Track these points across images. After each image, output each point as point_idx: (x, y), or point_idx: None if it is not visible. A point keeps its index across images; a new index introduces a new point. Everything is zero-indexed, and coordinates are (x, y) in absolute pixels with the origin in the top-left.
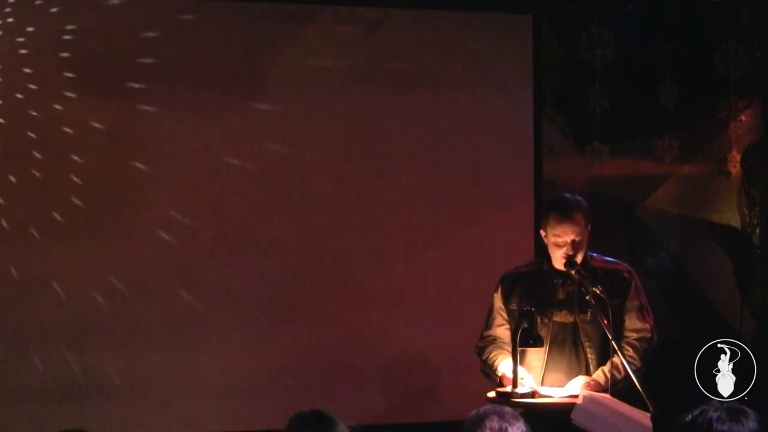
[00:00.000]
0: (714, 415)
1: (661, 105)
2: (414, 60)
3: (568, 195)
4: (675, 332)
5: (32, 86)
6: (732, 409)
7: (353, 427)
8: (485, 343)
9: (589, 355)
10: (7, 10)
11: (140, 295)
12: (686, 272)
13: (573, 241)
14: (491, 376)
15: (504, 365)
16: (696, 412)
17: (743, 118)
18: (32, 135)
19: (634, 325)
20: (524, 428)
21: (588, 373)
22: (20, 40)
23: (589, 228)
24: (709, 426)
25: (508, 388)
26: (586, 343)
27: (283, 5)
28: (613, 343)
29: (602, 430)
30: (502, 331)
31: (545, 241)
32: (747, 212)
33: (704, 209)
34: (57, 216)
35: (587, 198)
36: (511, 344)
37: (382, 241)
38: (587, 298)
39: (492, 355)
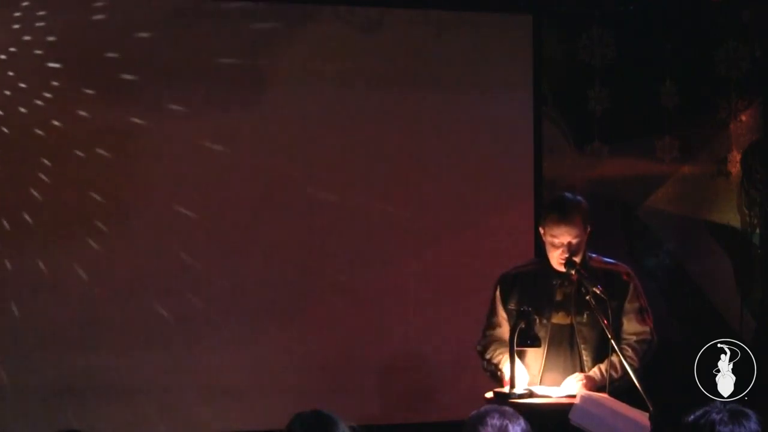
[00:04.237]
0: (717, 417)
1: (661, 105)
2: (414, 60)
3: (568, 195)
4: (675, 332)
5: (42, 87)
6: (734, 411)
7: (353, 427)
8: (487, 342)
9: (585, 357)
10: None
11: (140, 294)
12: (686, 272)
13: (570, 243)
14: (495, 376)
15: (508, 366)
16: (698, 413)
17: (743, 118)
18: (34, 136)
19: (633, 328)
20: (525, 427)
21: None
22: (21, 37)
23: (589, 229)
24: (712, 428)
25: (506, 389)
26: (582, 345)
27: (283, 5)
28: (612, 342)
29: (600, 429)
30: (503, 329)
31: (543, 239)
32: (747, 212)
33: (704, 209)
34: (56, 215)
35: (587, 198)
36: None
37: (382, 241)
38: (587, 298)
39: (497, 353)
